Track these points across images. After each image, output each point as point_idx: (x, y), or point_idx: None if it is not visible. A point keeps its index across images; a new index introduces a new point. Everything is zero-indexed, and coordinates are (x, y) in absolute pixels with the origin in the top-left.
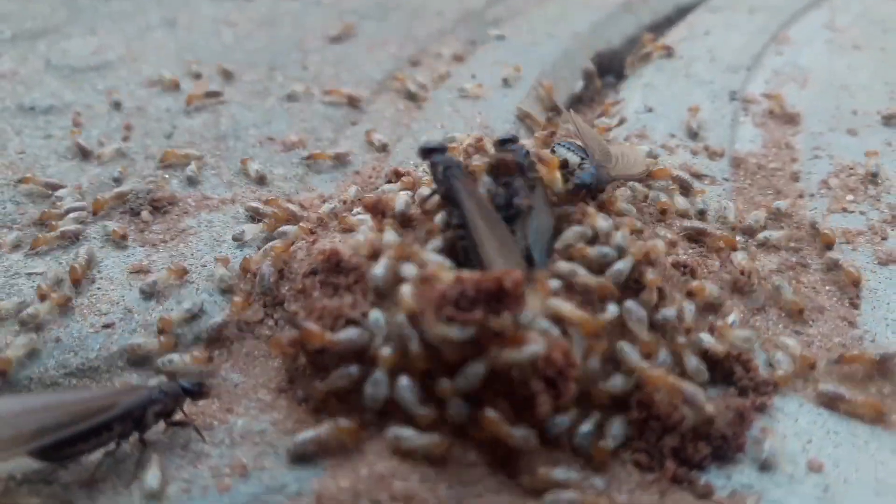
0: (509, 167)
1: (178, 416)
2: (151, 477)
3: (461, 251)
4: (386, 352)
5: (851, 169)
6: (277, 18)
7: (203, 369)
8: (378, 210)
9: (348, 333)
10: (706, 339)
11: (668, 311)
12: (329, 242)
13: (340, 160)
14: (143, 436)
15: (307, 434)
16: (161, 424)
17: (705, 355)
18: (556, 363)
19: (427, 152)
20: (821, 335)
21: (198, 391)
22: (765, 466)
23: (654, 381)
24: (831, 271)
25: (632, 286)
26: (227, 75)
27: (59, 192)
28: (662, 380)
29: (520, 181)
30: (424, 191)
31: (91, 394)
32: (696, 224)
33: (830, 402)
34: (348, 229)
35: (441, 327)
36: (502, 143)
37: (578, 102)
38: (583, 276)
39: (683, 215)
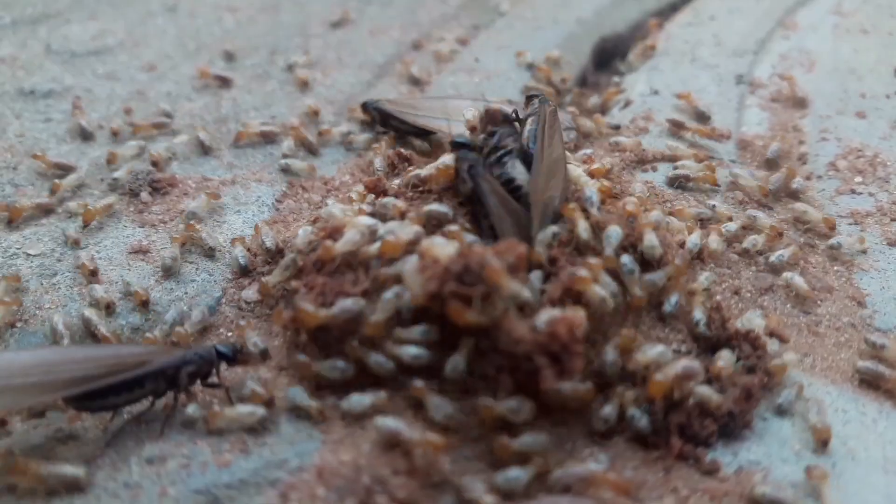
0: (495, 118)
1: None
2: (193, 408)
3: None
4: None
5: (860, 151)
6: (280, 3)
7: None
8: (378, 190)
9: (344, 304)
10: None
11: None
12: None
13: (266, 137)
14: (177, 396)
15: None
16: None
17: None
18: (561, 338)
19: (456, 146)
20: (829, 315)
21: (232, 356)
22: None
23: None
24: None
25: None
26: (230, 57)
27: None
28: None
29: (505, 129)
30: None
31: (129, 350)
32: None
33: (870, 382)
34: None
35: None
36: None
37: (583, 86)
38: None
39: None
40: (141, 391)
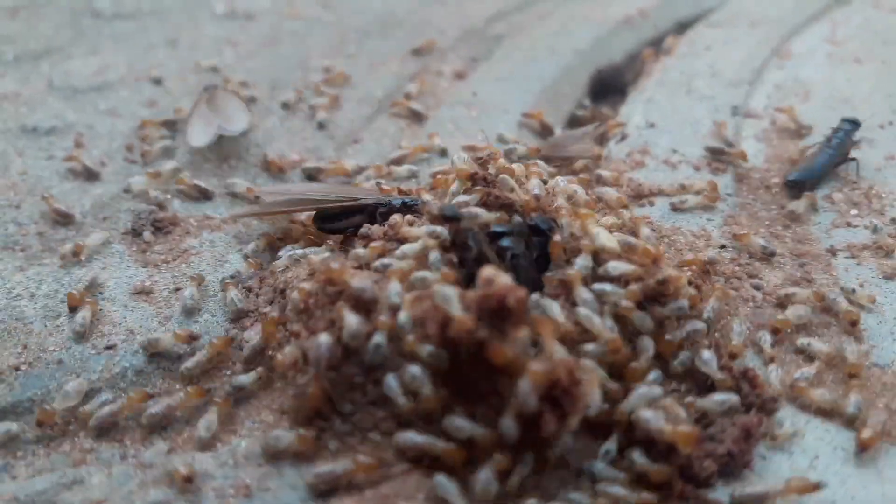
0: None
1: None
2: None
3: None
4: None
5: (854, 183)
6: (280, 37)
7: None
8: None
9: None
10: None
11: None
12: (331, 260)
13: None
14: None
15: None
16: None
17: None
18: (561, 383)
19: (448, 219)
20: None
21: (406, 207)
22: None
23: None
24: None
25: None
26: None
27: None
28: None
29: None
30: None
31: (357, 190)
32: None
33: None
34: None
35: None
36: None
37: (577, 122)
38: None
39: None
40: (358, 218)
